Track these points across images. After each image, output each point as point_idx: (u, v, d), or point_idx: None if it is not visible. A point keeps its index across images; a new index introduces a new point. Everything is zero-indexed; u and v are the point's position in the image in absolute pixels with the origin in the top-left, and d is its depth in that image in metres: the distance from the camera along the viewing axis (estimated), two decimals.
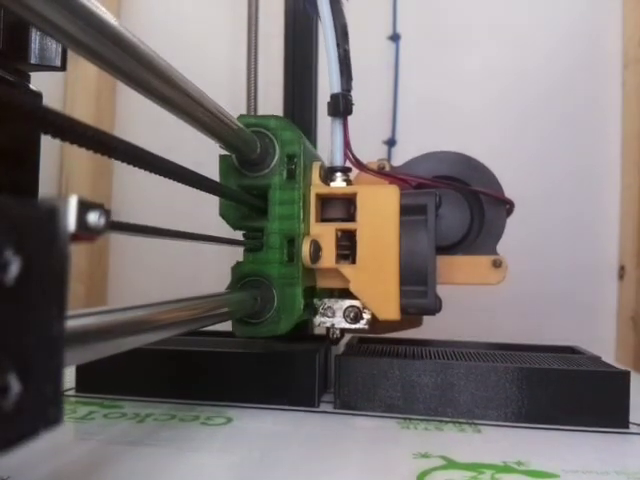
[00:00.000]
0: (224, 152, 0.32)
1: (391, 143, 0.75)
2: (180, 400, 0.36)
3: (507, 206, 0.40)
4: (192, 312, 0.25)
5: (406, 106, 0.75)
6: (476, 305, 0.67)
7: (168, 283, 0.80)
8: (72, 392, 0.38)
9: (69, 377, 0.39)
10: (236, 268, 0.33)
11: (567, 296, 0.71)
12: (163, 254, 0.79)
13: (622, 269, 0.69)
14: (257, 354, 0.37)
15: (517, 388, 0.34)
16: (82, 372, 0.38)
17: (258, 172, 0.33)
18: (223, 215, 0.34)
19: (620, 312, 0.70)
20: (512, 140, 0.73)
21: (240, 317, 0.32)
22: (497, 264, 0.39)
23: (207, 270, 0.77)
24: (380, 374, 0.35)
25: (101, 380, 0.38)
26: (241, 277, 0.33)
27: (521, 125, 0.73)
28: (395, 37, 0.75)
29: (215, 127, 0.27)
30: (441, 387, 0.35)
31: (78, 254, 0.76)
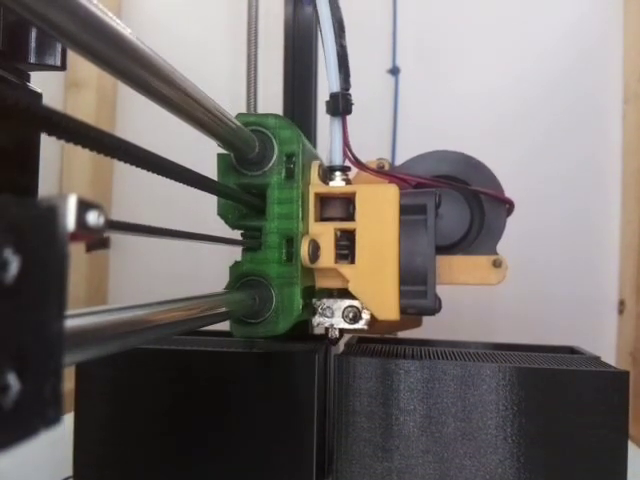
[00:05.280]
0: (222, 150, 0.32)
1: None
2: None
3: (507, 206, 0.39)
4: (190, 312, 0.25)
5: (406, 138, 0.74)
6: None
7: None
8: None
9: (67, 467, 0.39)
10: (234, 268, 0.33)
11: (566, 330, 0.70)
12: (163, 280, 0.78)
13: (622, 304, 0.69)
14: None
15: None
16: (80, 460, 0.39)
17: (257, 171, 0.33)
18: (221, 214, 0.33)
19: (619, 348, 0.69)
20: (512, 172, 0.70)
21: (238, 317, 0.32)
22: (497, 264, 0.39)
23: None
24: None
25: (99, 468, 0.38)
26: (239, 277, 0.33)
27: (521, 159, 0.73)
28: (395, 70, 0.75)
29: (213, 126, 0.27)
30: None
31: (77, 280, 0.75)
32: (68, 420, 0.38)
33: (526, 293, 0.69)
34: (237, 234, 0.37)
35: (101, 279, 0.82)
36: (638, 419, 0.57)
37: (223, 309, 0.29)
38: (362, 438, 0.36)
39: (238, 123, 0.29)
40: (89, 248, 0.77)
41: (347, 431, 0.37)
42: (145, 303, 0.21)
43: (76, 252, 0.75)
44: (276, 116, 0.33)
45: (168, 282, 0.77)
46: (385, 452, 0.36)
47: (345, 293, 0.35)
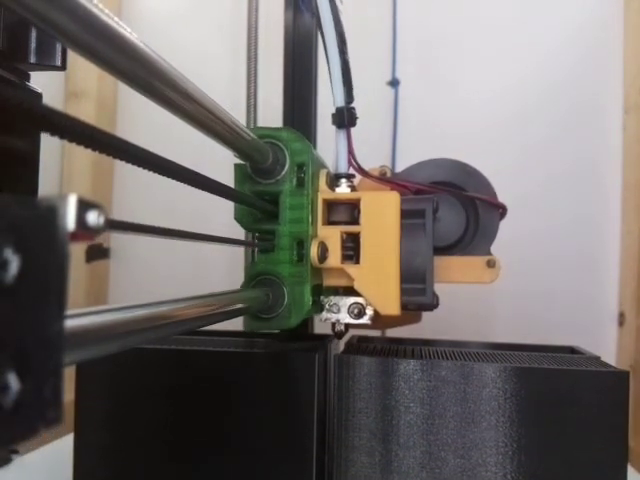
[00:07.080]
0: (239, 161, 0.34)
1: None
2: None
3: (500, 210, 0.42)
4: (209, 308, 0.26)
5: (406, 150, 0.73)
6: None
7: None
8: None
9: None
10: (249, 267, 0.35)
11: (565, 340, 0.66)
12: (164, 290, 0.75)
13: (622, 316, 0.68)
14: None
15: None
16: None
17: (270, 179, 0.35)
18: (238, 219, 0.36)
19: (619, 360, 0.68)
20: (511, 183, 0.67)
21: (253, 313, 0.34)
22: (491, 264, 0.41)
23: None
24: None
25: None
26: (254, 276, 0.35)
27: (521, 169, 0.71)
28: (394, 82, 0.74)
29: (231, 138, 0.28)
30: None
31: (77, 288, 0.73)
32: (67, 442, 0.39)
33: (525, 303, 0.69)
34: (238, 235, 0.38)
35: (101, 289, 0.80)
36: (638, 431, 0.57)
37: (240, 305, 0.30)
38: (362, 474, 0.37)
39: (253, 135, 0.31)
40: (89, 258, 0.75)
41: (347, 466, 0.37)
42: (154, 302, 0.21)
43: (76, 261, 0.73)
44: (288, 129, 0.35)
45: (169, 291, 0.75)
46: None
47: (350, 291, 0.37)
